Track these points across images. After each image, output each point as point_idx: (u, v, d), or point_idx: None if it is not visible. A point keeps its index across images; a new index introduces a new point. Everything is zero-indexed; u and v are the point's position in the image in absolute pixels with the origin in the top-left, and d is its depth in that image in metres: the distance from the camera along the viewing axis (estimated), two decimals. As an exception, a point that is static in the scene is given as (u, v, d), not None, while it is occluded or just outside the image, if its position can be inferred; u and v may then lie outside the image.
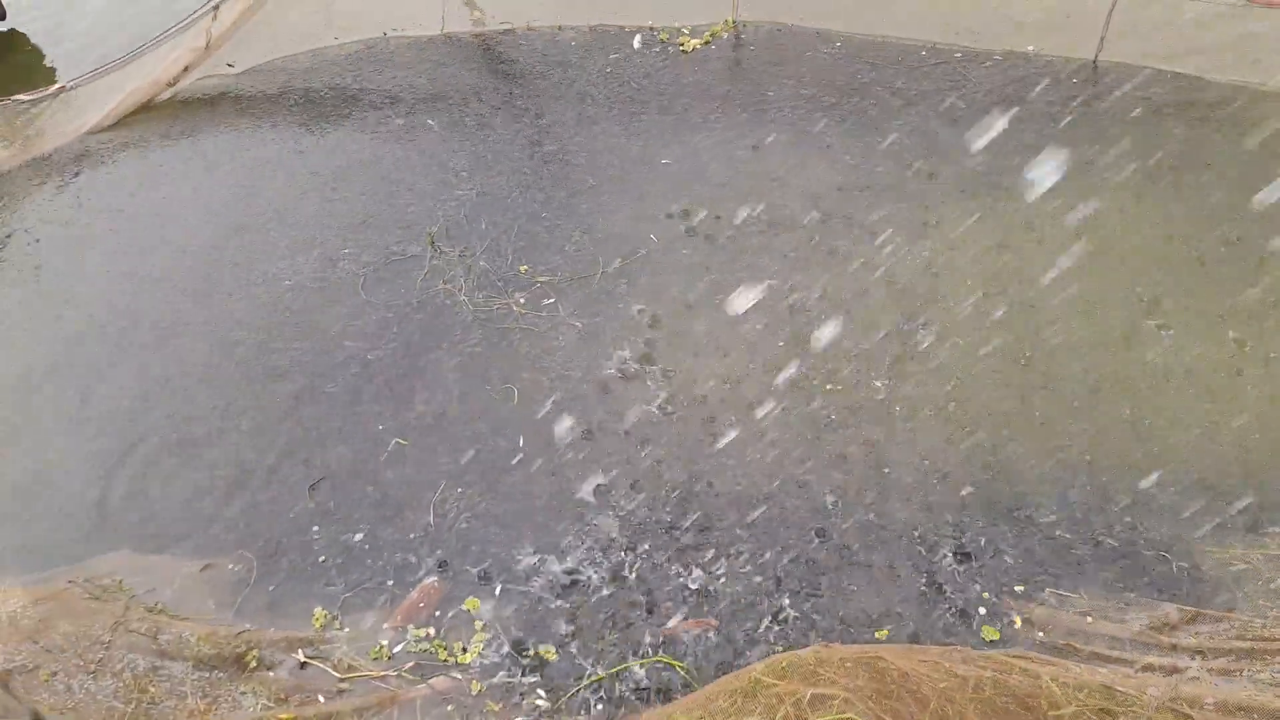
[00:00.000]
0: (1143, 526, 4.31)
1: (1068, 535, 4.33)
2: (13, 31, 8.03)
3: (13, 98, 6.50)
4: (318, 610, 4.26)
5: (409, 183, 6.40)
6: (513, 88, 7.09)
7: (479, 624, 4.21)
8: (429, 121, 6.77)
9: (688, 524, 4.53)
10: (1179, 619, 3.81)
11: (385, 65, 7.35)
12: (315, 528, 4.62)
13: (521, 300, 5.58)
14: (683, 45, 7.16)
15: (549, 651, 4.10)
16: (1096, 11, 6.11)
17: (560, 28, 7.57)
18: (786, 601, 4.23)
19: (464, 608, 4.26)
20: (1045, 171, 5.94)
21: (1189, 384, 4.87)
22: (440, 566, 4.44)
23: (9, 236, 6.14)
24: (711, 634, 4.17)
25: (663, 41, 7.27)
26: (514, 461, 4.82)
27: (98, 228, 6.18)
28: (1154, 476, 4.50)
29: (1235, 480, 4.47)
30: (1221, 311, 5.17)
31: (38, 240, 6.12)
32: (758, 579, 4.32)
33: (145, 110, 7.01)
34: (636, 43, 7.34)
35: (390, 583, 4.39)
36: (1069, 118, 6.21)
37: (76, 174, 6.55)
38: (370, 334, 5.45)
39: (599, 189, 6.24)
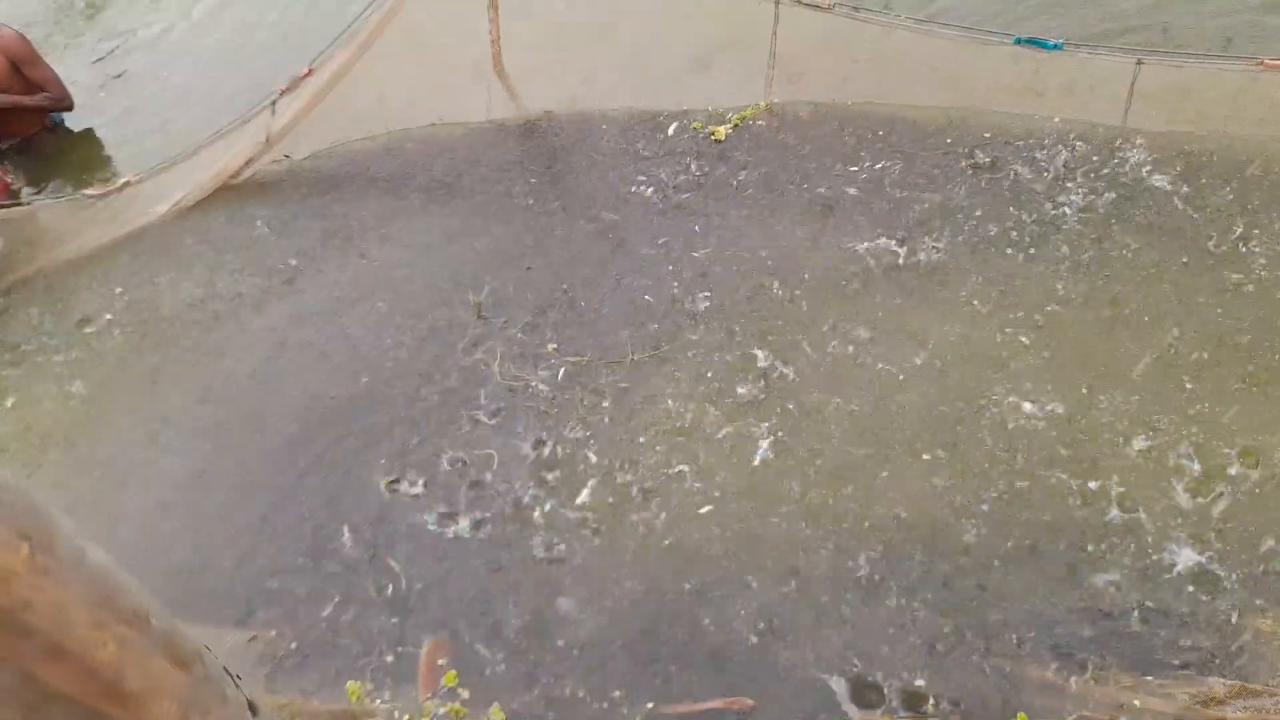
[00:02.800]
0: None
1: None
2: (88, 131, 8.57)
3: (81, 192, 6.92)
4: (351, 684, 4.34)
5: (457, 257, 6.68)
6: (554, 169, 7.37)
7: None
8: (475, 214, 7.02)
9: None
10: (1224, 693, 3.71)
11: (435, 149, 7.69)
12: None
13: (543, 379, 5.76)
14: (713, 134, 7.37)
15: None
16: (1119, 79, 6.23)
17: (601, 112, 7.85)
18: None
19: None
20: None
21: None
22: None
23: (88, 326, 6.47)
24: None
25: (695, 129, 7.48)
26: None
27: (169, 312, 6.53)
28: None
29: None
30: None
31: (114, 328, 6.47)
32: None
33: (208, 200, 7.38)
34: (671, 130, 7.56)
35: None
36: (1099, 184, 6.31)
37: (145, 263, 6.91)
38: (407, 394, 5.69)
39: (630, 271, 6.43)
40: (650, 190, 7.04)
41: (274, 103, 7.13)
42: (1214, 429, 5.03)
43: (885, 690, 4.28)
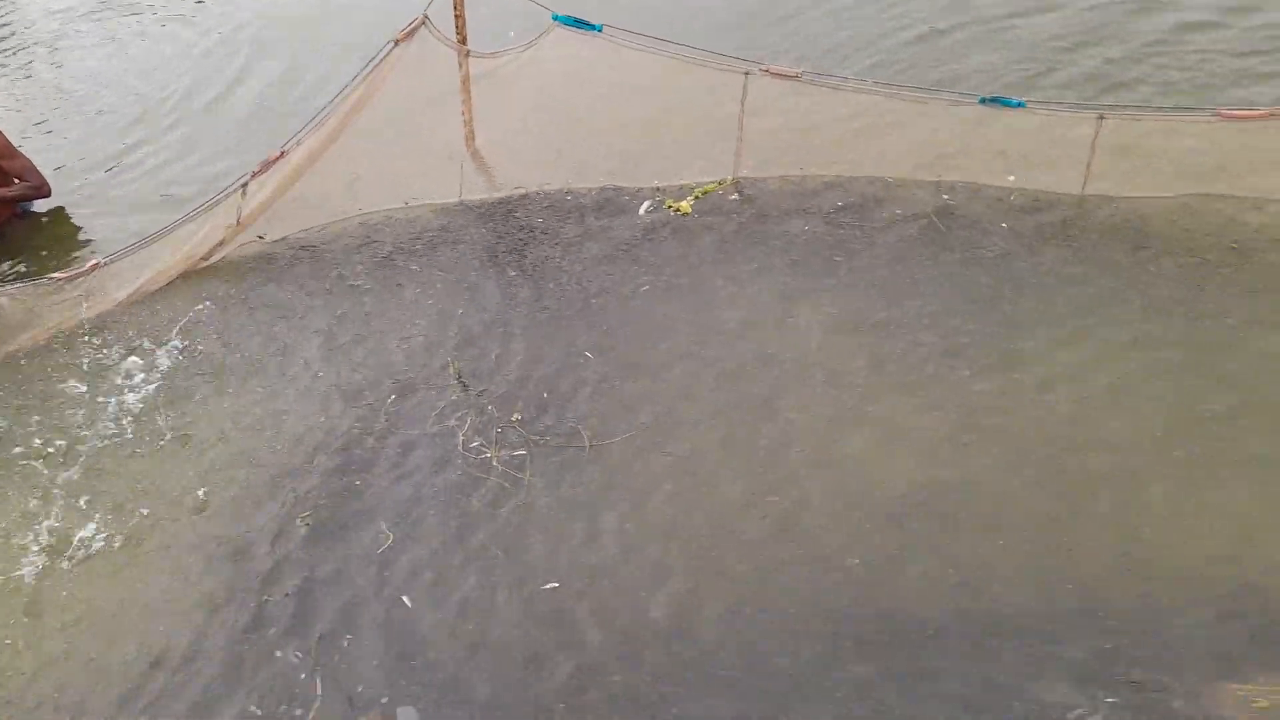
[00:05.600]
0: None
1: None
2: (59, 210, 8.56)
3: (48, 277, 6.87)
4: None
5: (429, 333, 6.63)
6: (526, 247, 7.34)
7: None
8: (448, 294, 6.96)
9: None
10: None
11: (408, 229, 7.68)
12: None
13: (498, 459, 5.63)
14: (679, 208, 7.37)
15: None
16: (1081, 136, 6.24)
17: (574, 190, 7.87)
18: None
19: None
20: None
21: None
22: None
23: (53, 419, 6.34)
24: None
25: (668, 208, 7.48)
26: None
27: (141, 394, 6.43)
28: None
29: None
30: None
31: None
32: None
33: (180, 280, 7.34)
34: (643, 209, 7.56)
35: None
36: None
37: (114, 345, 6.82)
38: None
39: (601, 352, 6.34)
40: (620, 266, 7.02)
41: (244, 185, 7.15)
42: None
43: None
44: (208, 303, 7.10)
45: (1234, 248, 6.07)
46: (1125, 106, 6.11)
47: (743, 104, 7.37)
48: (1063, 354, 5.70)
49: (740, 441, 5.57)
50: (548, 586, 4.84)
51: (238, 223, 7.35)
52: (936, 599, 4.67)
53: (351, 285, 7.15)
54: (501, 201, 7.88)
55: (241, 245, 7.56)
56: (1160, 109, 5.94)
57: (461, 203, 7.88)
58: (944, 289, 6.23)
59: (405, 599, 4.86)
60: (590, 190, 7.88)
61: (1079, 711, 4.11)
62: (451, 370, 6.29)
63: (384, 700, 4.43)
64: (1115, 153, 6.15)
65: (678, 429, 5.71)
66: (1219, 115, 5.60)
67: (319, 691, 4.51)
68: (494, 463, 5.60)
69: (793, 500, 5.18)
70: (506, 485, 5.47)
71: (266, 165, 7.23)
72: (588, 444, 5.68)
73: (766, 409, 5.73)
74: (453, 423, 5.96)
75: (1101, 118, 5.98)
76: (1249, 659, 4.28)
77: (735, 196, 7.51)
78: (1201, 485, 4.98)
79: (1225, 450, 5.12)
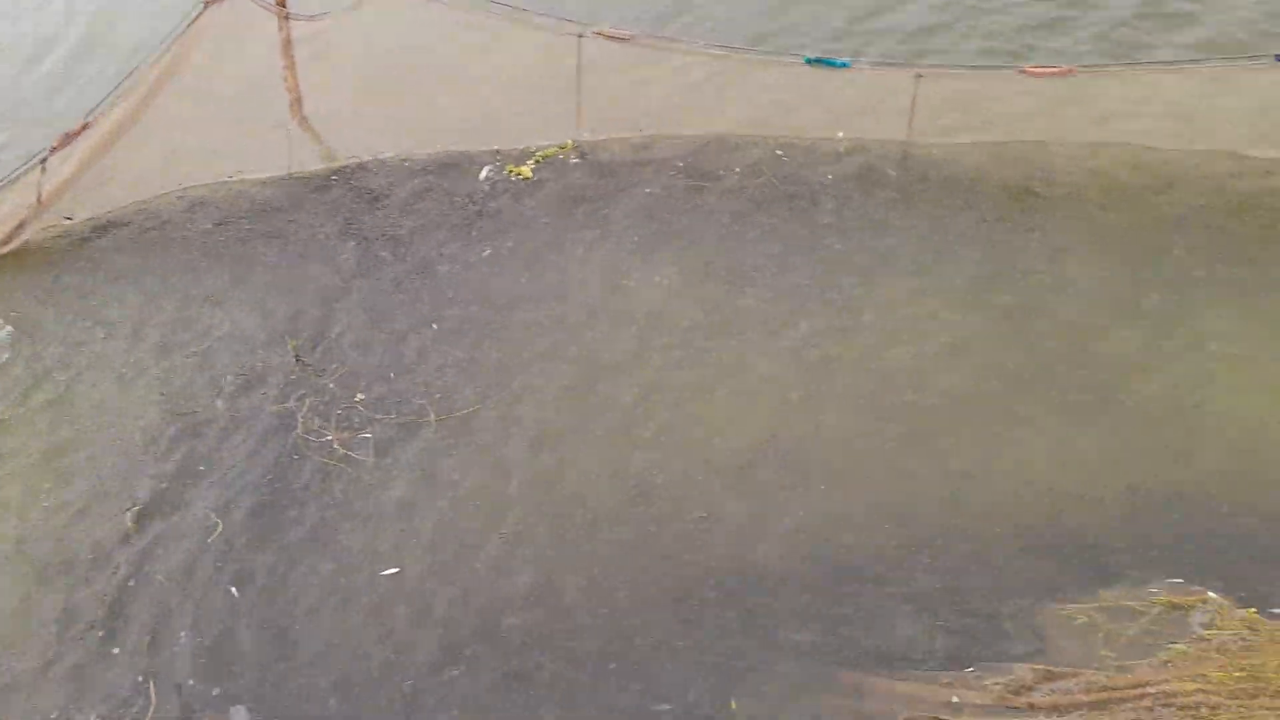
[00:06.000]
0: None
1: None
2: None
3: None
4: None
5: (265, 313, 6.32)
6: (364, 218, 7.08)
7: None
8: (277, 278, 6.63)
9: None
10: (1032, 679, 3.71)
11: (234, 204, 7.27)
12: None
13: (340, 441, 5.46)
14: (520, 173, 7.25)
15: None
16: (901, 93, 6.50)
17: (407, 159, 7.61)
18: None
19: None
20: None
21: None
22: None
23: None
24: None
25: (509, 174, 7.33)
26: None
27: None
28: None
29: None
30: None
31: None
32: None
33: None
34: (484, 174, 7.39)
35: None
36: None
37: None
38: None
39: (446, 323, 6.20)
40: (461, 233, 6.85)
41: (44, 161, 6.59)
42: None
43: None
44: (15, 295, 6.55)
45: (1042, 194, 6.45)
46: (940, 65, 6.38)
47: (579, 66, 7.28)
48: (891, 305, 5.95)
49: (589, 407, 5.56)
50: (388, 572, 4.74)
51: (38, 202, 6.78)
52: (788, 548, 4.81)
53: (176, 265, 6.74)
54: (335, 171, 7.55)
55: (47, 228, 6.98)
56: (972, 66, 6.23)
57: (291, 175, 7.50)
58: (780, 245, 6.38)
59: (233, 590, 4.67)
60: (428, 157, 7.63)
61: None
62: (290, 349, 6.03)
63: (215, 693, 4.25)
64: (934, 107, 6.41)
65: (525, 397, 5.66)
66: (1024, 72, 5.91)
67: (153, 697, 4.29)
68: (335, 445, 5.42)
69: (643, 462, 5.22)
70: (348, 468, 5.30)
71: (68, 139, 6.68)
72: (433, 419, 5.56)
73: (612, 373, 5.74)
74: (291, 404, 5.73)
75: (919, 76, 6.22)
76: (1068, 581, 4.59)
77: (576, 160, 7.44)
78: (1020, 426, 5.28)
79: (1042, 392, 5.44)
